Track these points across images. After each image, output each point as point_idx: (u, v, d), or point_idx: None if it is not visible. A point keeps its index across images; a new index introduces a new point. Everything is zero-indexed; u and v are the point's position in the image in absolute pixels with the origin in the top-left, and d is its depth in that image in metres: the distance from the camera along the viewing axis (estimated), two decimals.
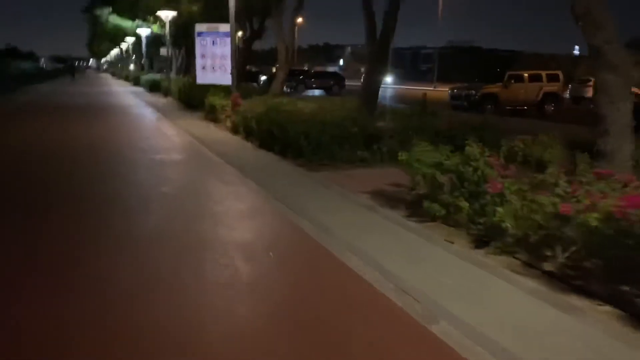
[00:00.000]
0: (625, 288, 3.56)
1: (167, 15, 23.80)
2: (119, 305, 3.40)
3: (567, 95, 28.61)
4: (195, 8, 24.85)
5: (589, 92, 31.49)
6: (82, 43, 78.56)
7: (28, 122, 14.35)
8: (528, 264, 4.21)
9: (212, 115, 14.98)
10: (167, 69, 28.62)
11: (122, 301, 3.46)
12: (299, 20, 62.21)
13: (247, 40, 24.57)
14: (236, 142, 10.98)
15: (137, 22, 33.49)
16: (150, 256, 4.29)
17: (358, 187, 6.83)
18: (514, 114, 20.90)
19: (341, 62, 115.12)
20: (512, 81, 22.20)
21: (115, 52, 71.90)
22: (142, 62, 46.98)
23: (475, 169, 5.04)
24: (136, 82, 37.99)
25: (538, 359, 2.82)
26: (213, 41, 17.78)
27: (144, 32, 33.54)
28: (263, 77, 41.16)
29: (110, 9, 34.80)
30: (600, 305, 3.51)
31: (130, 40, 44.55)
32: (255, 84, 29.93)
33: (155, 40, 36.51)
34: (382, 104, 12.48)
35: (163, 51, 31.65)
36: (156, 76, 32.74)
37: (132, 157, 8.94)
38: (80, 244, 4.56)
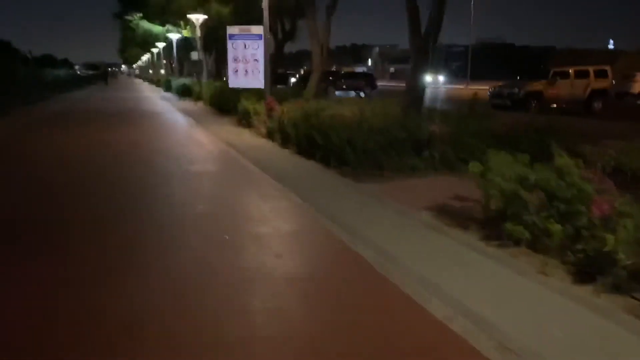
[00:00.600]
0: None
1: (197, 18, 23.44)
2: None
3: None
4: (225, 10, 24.45)
5: (634, 88, 29.94)
6: (114, 49, 79.57)
7: (60, 129, 14.01)
8: None
9: (245, 121, 14.38)
10: (198, 74, 28.35)
11: None
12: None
13: (279, 42, 24.03)
14: (272, 149, 10.30)
15: (167, 26, 33.40)
16: (186, 300, 3.59)
17: (415, 201, 6.04)
18: (560, 113, 19.72)
19: (369, 62, 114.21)
20: (558, 78, 20.99)
21: (146, 57, 72.64)
22: (173, 66, 47.08)
23: (570, 185, 4.21)
24: (167, 87, 37.88)
25: None
26: (245, 44, 17.19)
27: (174, 36, 33.40)
28: (293, 79, 40.65)
29: (141, 14, 34.82)
30: None
31: (160, 45, 44.62)
32: (284, 86, 29.34)
33: (185, 45, 36.38)
34: (425, 106, 11.62)
35: (194, 55, 31.45)
36: (187, 81, 32.48)
37: (165, 169, 8.35)
38: (102, 284, 3.92)
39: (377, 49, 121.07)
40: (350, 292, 3.67)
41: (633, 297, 3.51)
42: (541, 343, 2.92)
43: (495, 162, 4.74)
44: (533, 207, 4.40)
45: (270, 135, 11.75)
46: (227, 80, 26.71)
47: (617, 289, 3.61)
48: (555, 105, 20.87)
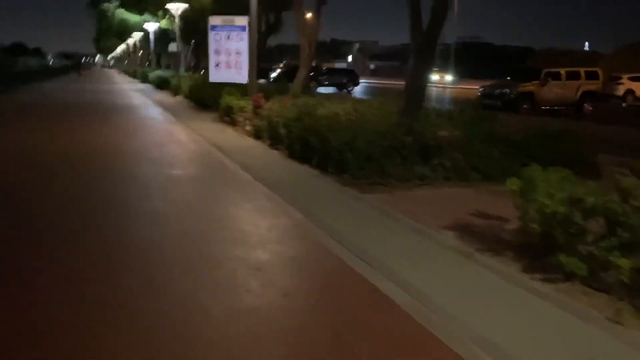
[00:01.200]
0: None
1: (177, 7, 22.35)
2: None
3: None
4: (206, 0, 23.41)
5: (619, 90, 29.79)
6: (89, 39, 77.26)
7: (27, 124, 12.88)
8: None
9: (228, 117, 13.47)
10: (175, 66, 27.21)
11: None
12: (309, 15, 60.85)
13: (262, 36, 23.07)
14: (261, 151, 9.45)
15: (145, 16, 32.12)
16: None
17: (432, 217, 5.29)
18: (550, 114, 19.29)
19: (349, 58, 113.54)
20: (549, 79, 20.55)
21: (121, 48, 70.62)
22: (149, 58, 45.58)
23: (637, 210, 3.50)
24: (144, 79, 36.54)
25: None
26: (228, 35, 16.24)
27: (151, 27, 32.15)
28: (273, 74, 39.65)
29: (117, 3, 33.43)
30: None
31: (137, 35, 43.15)
32: (264, 81, 28.35)
33: (162, 36, 35.12)
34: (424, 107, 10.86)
35: (172, 46, 30.26)
36: (164, 73, 31.27)
37: (143, 173, 7.42)
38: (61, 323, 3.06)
39: (357, 45, 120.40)
40: (383, 347, 2.88)
41: None
42: None
43: (539, 178, 3.99)
44: (591, 235, 3.69)
45: (257, 134, 10.89)
46: (206, 73, 25.75)
47: None
48: (547, 107, 20.44)
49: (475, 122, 8.14)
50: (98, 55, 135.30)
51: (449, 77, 52.31)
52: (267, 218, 5.30)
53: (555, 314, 3.28)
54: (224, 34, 16.29)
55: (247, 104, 12.71)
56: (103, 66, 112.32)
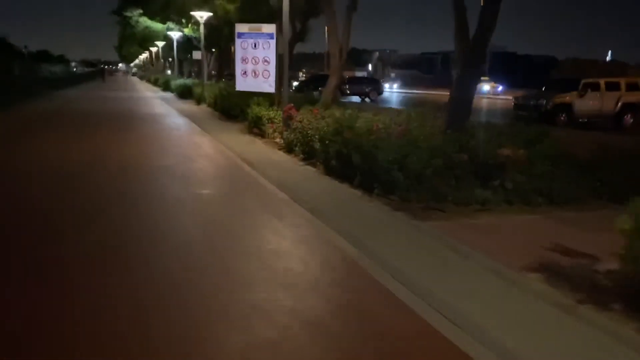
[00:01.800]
0: None
1: (201, 15, 21.90)
2: None
3: None
4: (231, 7, 22.97)
5: None
6: (112, 47, 77.95)
7: (50, 134, 12.43)
8: None
9: (256, 129, 12.88)
10: (199, 74, 26.80)
11: None
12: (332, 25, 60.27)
13: (288, 43, 22.53)
14: (295, 166, 8.79)
15: (168, 24, 31.88)
16: None
17: (507, 254, 4.56)
18: (586, 127, 18.32)
19: (370, 67, 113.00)
20: (588, 90, 19.57)
21: (144, 56, 71.05)
22: (171, 66, 45.49)
23: None
24: (166, 87, 36.32)
25: None
26: (255, 43, 15.70)
27: (175, 35, 31.87)
28: (295, 83, 39.16)
29: (141, 10, 33.27)
30: None
31: (160, 44, 43.06)
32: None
33: (185, 44, 34.88)
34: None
35: (196, 54, 29.86)
36: (188, 81, 30.94)
37: (171, 193, 6.77)
38: None
39: (377, 54, 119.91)
40: None
41: None
42: None
43: None
44: None
45: (289, 147, 10.25)
46: (228, 81, 25.29)
47: None
48: (584, 119, 19.48)
49: (535, 139, 7.37)
50: (120, 63, 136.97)
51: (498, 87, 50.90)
52: (315, 252, 4.61)
53: None
54: (250, 41, 15.74)
55: (276, 114, 12.11)
56: (125, 73, 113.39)
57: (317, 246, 4.76)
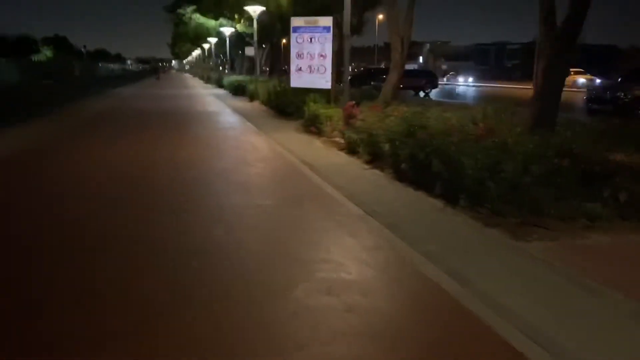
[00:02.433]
0: None
1: (254, 10, 21.44)
2: None
3: None
4: (284, 1, 22.41)
5: None
6: (165, 45, 79.47)
7: (104, 135, 12.19)
8: None
9: (314, 127, 12.18)
10: (251, 70, 26.44)
11: None
12: (380, 16, 58.82)
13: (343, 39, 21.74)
14: (360, 171, 8.02)
15: (221, 20, 31.76)
16: None
17: None
18: None
19: (420, 59, 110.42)
20: None
21: (196, 53, 71.98)
22: (224, 63, 45.61)
23: None
24: (219, 84, 36.32)
25: None
26: (311, 38, 14.99)
27: (227, 31, 31.70)
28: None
29: (194, 7, 33.31)
30: None
31: (212, 40, 43.22)
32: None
33: (237, 40, 34.72)
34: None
35: (249, 50, 29.61)
36: (240, 78, 30.70)
37: (227, 203, 6.15)
38: None
39: (428, 46, 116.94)
40: None
41: None
42: None
43: None
44: None
45: (350, 149, 9.49)
46: (281, 77, 24.77)
47: None
48: None
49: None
50: (174, 61, 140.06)
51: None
52: (404, 284, 3.82)
53: None
54: (306, 36, 15.05)
55: (336, 112, 11.37)
56: (178, 70, 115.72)
57: (405, 277, 3.96)
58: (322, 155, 9.40)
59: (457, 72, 74.98)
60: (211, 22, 34.13)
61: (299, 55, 15.06)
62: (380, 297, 3.60)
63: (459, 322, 3.26)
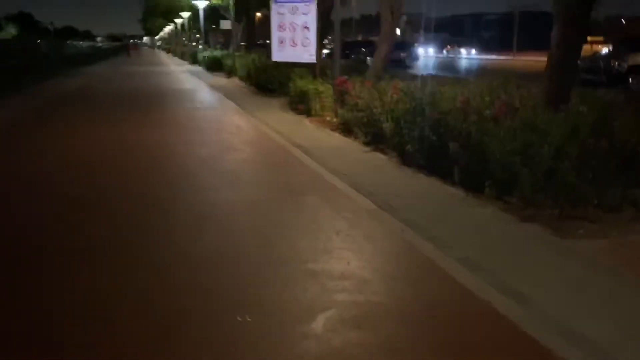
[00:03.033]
0: None
1: None
2: None
3: None
4: None
5: None
6: (137, 21, 76.62)
7: (72, 117, 11.12)
8: None
9: (301, 105, 11.29)
10: (227, 45, 25.18)
11: None
12: None
13: (325, 9, 20.65)
14: (360, 155, 7.23)
15: None
16: None
17: None
18: None
19: (397, 32, 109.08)
20: None
21: (169, 28, 69.54)
22: (198, 38, 43.94)
23: None
24: (193, 60, 34.84)
25: None
26: (293, 7, 13.96)
27: (201, 4, 30.16)
28: (325, 51, 37.16)
29: None
30: None
31: (185, 15, 41.42)
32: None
33: (211, 14, 33.17)
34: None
35: (224, 24, 28.18)
36: (216, 53, 29.37)
37: (214, 199, 5.32)
38: None
39: (404, 18, 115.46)
40: None
41: None
42: None
43: None
44: None
45: (345, 128, 8.68)
46: (259, 52, 23.61)
47: None
48: None
49: None
50: (145, 37, 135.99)
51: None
52: (449, 308, 3.06)
53: None
54: (288, 6, 14.01)
55: (326, 88, 10.49)
56: (150, 47, 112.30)
57: (447, 295, 3.21)
58: (314, 136, 8.58)
59: (459, 44, 69.94)
60: None
61: (281, 27, 14.04)
62: (426, 328, 2.84)
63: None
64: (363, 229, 4.29)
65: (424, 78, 13.36)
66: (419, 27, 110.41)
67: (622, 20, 63.28)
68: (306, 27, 13.53)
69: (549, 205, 4.63)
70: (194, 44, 50.85)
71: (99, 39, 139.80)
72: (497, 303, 3.05)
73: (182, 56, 45.15)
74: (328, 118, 9.81)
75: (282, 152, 7.44)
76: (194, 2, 30.94)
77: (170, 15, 46.85)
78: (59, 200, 5.22)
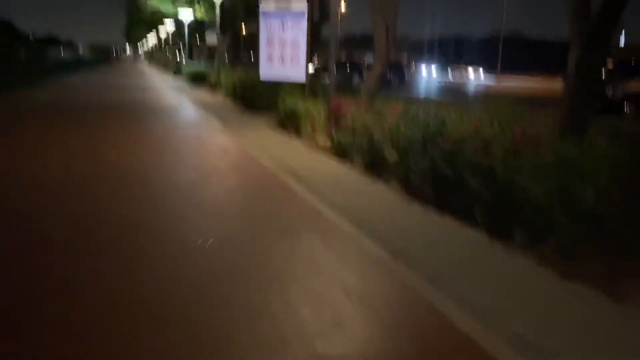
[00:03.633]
0: None
1: None
2: None
3: None
4: None
5: None
6: (119, 31, 75.60)
7: (34, 132, 10.20)
8: None
9: (290, 125, 10.57)
10: (215, 60, 24.44)
11: None
12: (343, 8, 57.19)
13: (315, 25, 20.08)
14: (361, 186, 6.47)
15: (178, 4, 29.56)
16: None
17: None
18: None
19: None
20: None
21: (153, 40, 68.72)
22: (182, 51, 43.10)
23: None
24: (177, 73, 34.02)
25: None
26: (283, 23, 13.30)
27: (185, 16, 29.49)
28: (310, 70, 36.64)
29: None
30: None
31: (170, 28, 40.69)
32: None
33: (196, 27, 32.53)
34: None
35: (210, 38, 27.53)
36: (200, 67, 28.62)
37: (199, 242, 4.53)
38: None
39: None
40: None
41: None
42: None
43: None
44: None
45: (341, 152, 7.96)
46: (245, 68, 22.92)
47: None
48: None
49: None
50: (128, 48, 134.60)
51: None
52: None
53: None
54: (277, 21, 13.34)
55: (318, 110, 9.76)
56: (134, 59, 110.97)
57: None
58: (307, 161, 7.81)
59: (466, 64, 56.11)
60: (168, 8, 31.74)
61: (270, 43, 13.36)
62: None
63: None
64: (380, 289, 3.51)
65: (420, 100, 12.69)
66: (405, 47, 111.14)
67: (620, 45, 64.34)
68: (295, 44, 12.88)
69: (590, 257, 3.93)
70: (177, 57, 50.08)
71: (81, 48, 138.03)
72: None
73: (166, 69, 44.31)
74: (321, 142, 9.09)
75: (272, 180, 6.64)
76: (179, 14, 30.25)
77: (154, 26, 46.06)
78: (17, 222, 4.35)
